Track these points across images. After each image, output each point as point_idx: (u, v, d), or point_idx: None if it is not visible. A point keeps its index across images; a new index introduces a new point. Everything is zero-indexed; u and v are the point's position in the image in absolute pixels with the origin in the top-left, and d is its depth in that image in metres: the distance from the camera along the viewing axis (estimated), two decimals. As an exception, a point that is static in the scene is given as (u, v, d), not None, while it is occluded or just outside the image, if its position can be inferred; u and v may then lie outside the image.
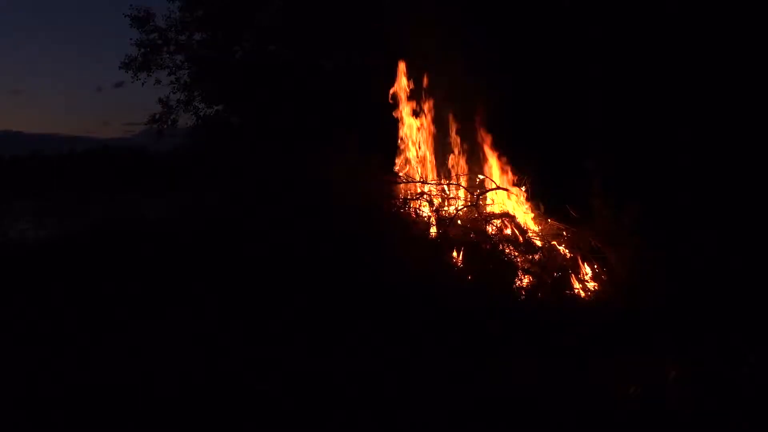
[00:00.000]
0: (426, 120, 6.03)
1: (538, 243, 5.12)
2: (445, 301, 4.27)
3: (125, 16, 11.18)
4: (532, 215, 5.55)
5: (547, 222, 5.46)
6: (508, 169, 5.75)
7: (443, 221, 5.27)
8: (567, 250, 5.05)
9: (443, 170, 6.01)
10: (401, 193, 5.83)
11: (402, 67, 6.04)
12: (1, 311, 4.53)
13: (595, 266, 4.86)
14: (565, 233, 5.22)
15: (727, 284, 4.37)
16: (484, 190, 5.62)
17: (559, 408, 3.17)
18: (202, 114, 10.87)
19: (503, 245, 4.97)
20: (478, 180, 5.82)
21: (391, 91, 6.09)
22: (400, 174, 6.00)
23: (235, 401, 3.24)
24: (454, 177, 5.84)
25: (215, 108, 10.79)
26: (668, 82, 6.53)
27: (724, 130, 6.27)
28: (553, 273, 4.75)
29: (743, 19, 6.40)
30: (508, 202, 5.60)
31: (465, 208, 5.47)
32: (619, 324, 4.02)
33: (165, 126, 11.08)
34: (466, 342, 3.82)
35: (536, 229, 5.37)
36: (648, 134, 6.37)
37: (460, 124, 5.96)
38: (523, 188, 5.66)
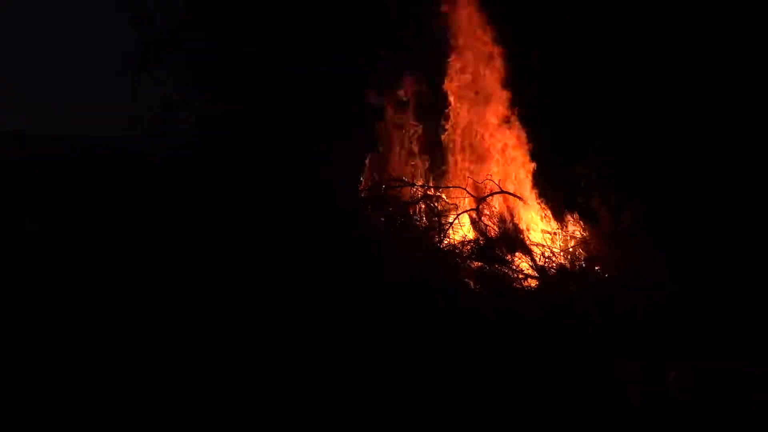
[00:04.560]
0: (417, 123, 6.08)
1: (538, 244, 5.12)
2: (445, 301, 4.27)
3: (125, 17, 11.20)
4: (535, 216, 5.54)
5: (547, 222, 5.45)
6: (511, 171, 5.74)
7: (444, 224, 5.27)
8: (566, 250, 5.04)
9: (445, 172, 5.99)
10: (404, 196, 5.81)
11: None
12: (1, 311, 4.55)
13: (596, 267, 4.85)
14: (564, 234, 5.22)
15: (728, 284, 4.37)
16: (487, 194, 5.59)
17: (559, 408, 3.17)
18: (202, 114, 10.87)
19: (503, 247, 4.97)
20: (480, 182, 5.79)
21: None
22: (402, 177, 5.98)
23: (231, 401, 3.24)
24: (456, 180, 5.83)
25: (215, 108, 10.80)
26: (668, 83, 6.52)
27: (725, 130, 6.26)
28: (553, 274, 4.75)
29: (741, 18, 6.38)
30: (511, 203, 5.59)
31: (466, 212, 5.46)
32: (618, 324, 4.01)
33: (165, 126, 11.09)
34: (466, 342, 3.81)
35: (536, 229, 5.37)
36: (648, 134, 6.36)
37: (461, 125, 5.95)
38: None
